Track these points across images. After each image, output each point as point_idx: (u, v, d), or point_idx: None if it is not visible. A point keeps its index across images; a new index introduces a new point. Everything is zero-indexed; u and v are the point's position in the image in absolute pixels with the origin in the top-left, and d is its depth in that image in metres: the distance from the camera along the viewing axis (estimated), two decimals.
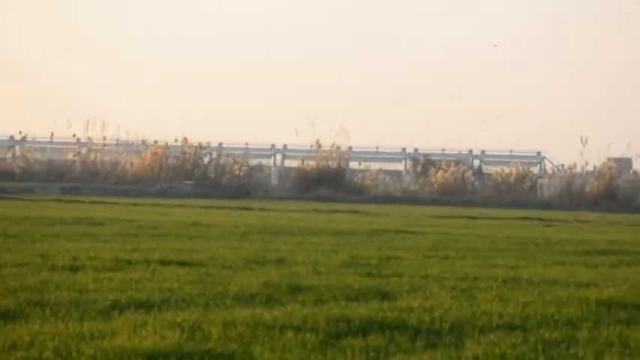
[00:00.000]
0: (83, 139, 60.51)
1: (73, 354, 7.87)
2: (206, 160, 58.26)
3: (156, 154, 57.30)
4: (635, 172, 61.29)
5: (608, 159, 57.69)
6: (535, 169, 62.74)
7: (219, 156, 58.38)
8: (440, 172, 58.14)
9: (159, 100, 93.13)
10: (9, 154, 62.83)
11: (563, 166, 60.77)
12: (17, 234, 20.02)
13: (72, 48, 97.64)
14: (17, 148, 63.47)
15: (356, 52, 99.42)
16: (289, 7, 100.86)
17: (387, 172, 61.23)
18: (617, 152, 59.03)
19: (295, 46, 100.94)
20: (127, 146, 59.84)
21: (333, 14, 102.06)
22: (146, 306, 10.50)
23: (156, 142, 58.91)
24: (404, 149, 65.20)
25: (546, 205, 51.92)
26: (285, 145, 64.88)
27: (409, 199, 54.21)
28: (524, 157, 64.02)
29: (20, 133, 64.73)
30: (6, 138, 64.15)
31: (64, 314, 9.85)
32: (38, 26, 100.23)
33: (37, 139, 64.16)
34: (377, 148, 65.37)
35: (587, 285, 13.52)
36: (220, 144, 60.45)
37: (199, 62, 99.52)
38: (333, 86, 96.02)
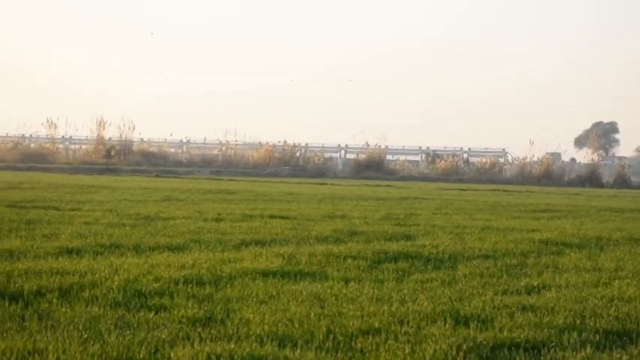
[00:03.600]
0: (223, 141, 60.83)
1: (218, 271, 7.94)
2: (298, 153, 58.34)
3: (267, 150, 57.47)
4: (562, 162, 61.17)
5: (546, 153, 57.48)
6: (502, 160, 62.11)
7: (306, 151, 58.51)
8: (442, 162, 57.78)
9: (270, 114, 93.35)
10: (180, 150, 63.47)
11: (518, 157, 60.22)
12: (184, 199, 20.21)
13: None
14: (184, 147, 64.09)
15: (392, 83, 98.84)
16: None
17: (410, 161, 61.16)
18: (552, 149, 59.12)
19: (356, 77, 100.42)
20: (250, 145, 60.14)
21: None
22: (261, 243, 10.55)
23: (267, 142, 59.19)
24: (420, 147, 64.86)
25: (508, 182, 51.47)
26: (346, 145, 64.74)
27: (423, 178, 53.92)
28: (495, 152, 63.38)
29: (186, 137, 65.39)
30: (177, 141, 64.81)
31: (212, 247, 9.93)
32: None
33: (196, 141, 64.73)
34: (403, 146, 65.06)
35: (533, 230, 13.42)
36: (306, 144, 60.58)
37: (301, 85, 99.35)
38: (378, 107, 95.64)
